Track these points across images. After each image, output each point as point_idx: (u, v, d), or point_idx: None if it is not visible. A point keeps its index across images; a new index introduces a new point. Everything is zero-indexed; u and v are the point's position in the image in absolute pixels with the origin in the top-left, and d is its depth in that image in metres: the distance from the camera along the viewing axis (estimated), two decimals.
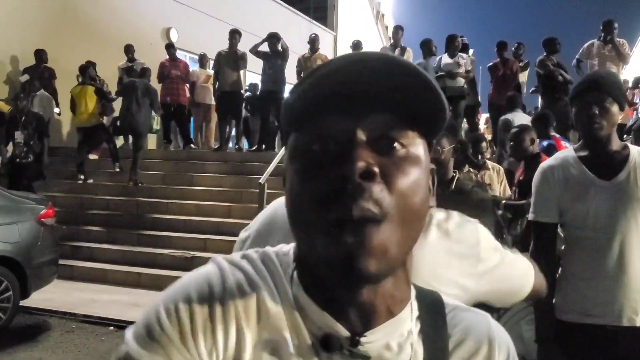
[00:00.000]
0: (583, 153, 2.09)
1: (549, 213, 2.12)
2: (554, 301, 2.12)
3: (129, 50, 10.42)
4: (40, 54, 9.65)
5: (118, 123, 9.68)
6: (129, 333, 0.61)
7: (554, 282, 2.12)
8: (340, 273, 0.57)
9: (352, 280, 0.57)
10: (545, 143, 5.22)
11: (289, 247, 0.69)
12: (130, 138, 9.58)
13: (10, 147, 7.98)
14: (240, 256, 0.68)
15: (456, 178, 2.77)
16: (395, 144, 0.59)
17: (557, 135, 6.18)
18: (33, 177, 8.09)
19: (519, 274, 1.32)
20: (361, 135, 0.58)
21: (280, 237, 1.00)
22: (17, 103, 8.03)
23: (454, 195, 2.76)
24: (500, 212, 4.62)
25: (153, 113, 9.54)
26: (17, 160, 7.94)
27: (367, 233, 0.56)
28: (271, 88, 9.35)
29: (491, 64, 8.95)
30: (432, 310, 0.69)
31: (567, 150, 2.17)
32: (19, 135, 8.01)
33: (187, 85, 10.38)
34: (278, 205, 1.24)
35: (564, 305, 2.10)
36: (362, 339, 0.62)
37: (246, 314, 0.61)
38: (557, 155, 2.19)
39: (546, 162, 2.18)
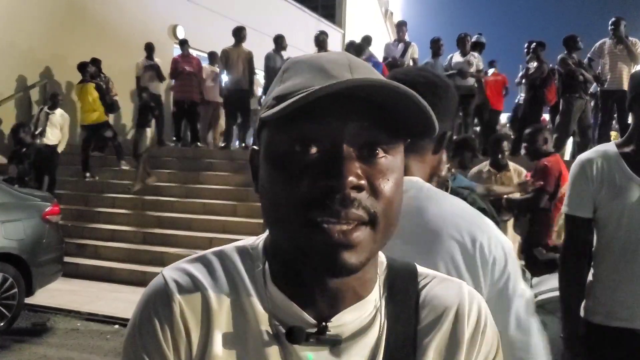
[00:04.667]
0: (625, 149, 2.01)
1: (583, 208, 2.04)
2: (583, 302, 2.07)
3: (150, 48, 10.37)
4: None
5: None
6: None
7: (584, 280, 2.07)
8: (323, 269, 0.60)
9: (335, 274, 0.61)
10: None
11: (254, 242, 0.73)
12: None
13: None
14: (189, 260, 0.71)
15: (449, 187, 2.70)
16: (379, 153, 0.62)
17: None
18: None
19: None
20: (346, 142, 0.60)
21: None
22: (20, 133, 7.32)
23: None
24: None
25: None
26: None
27: (352, 233, 0.59)
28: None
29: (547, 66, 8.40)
30: (403, 281, 0.73)
31: (608, 145, 2.08)
32: (12, 170, 7.14)
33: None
34: None
35: (593, 306, 2.04)
36: (329, 324, 0.65)
37: (193, 315, 0.66)
38: (597, 149, 2.10)
39: (585, 155, 2.09)
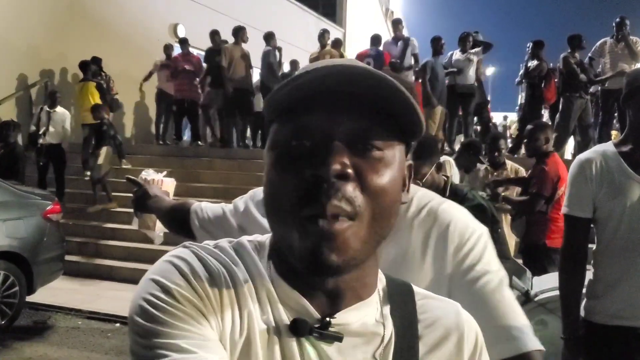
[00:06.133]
0: (623, 148, 2.01)
1: (583, 208, 2.03)
2: (583, 302, 2.07)
3: (169, 48, 10.75)
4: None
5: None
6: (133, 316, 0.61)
7: (583, 280, 2.07)
8: (307, 265, 0.60)
9: (318, 271, 0.60)
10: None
11: (265, 238, 0.73)
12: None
13: None
14: (212, 245, 0.71)
15: (450, 183, 2.70)
16: (371, 147, 0.62)
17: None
18: None
19: (506, 301, 1.08)
20: (338, 136, 0.61)
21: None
22: (3, 132, 7.16)
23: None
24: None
25: None
26: None
27: (336, 229, 0.59)
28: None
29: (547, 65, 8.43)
30: (402, 296, 0.73)
31: (606, 145, 2.08)
32: None
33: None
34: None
35: (594, 306, 2.03)
36: (333, 320, 0.65)
37: (229, 297, 0.64)
38: (596, 149, 2.10)
39: (584, 155, 2.09)
